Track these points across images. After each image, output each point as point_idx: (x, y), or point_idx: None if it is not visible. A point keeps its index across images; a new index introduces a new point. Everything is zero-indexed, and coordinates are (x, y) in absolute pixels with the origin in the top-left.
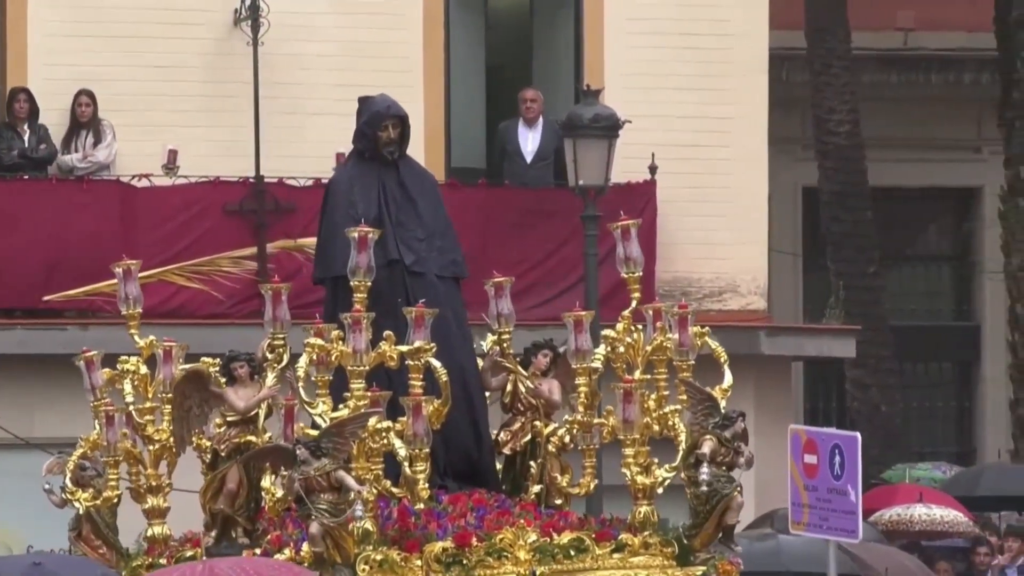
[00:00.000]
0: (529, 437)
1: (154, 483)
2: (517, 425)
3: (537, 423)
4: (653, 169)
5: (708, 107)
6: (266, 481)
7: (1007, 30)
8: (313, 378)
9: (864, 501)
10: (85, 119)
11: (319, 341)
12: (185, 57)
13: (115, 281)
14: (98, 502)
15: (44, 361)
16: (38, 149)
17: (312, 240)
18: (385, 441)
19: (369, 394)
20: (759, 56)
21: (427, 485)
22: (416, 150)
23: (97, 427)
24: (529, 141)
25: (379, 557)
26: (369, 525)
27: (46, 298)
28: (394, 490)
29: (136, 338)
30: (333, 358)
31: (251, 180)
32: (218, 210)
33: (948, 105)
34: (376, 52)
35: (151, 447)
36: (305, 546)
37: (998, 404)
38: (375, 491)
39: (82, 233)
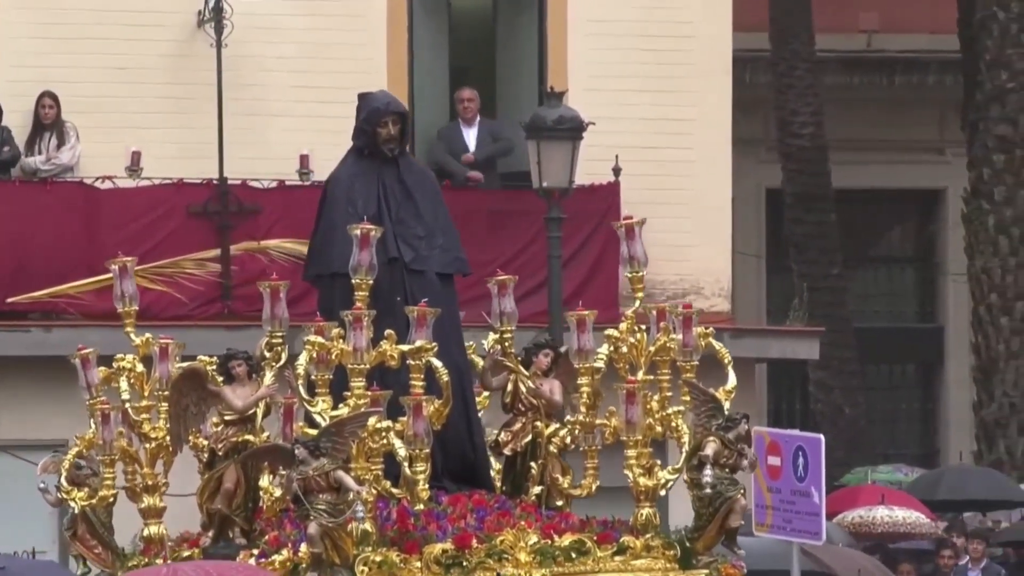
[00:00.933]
0: (530, 438)
1: (150, 482)
2: (518, 425)
3: (538, 423)
4: (617, 171)
5: (671, 109)
6: (264, 481)
7: (970, 32)
8: (313, 376)
9: (827, 503)
10: (48, 121)
11: (319, 339)
12: (149, 59)
13: (79, 283)
14: (94, 501)
15: (7, 363)
16: (1, 151)
17: (276, 242)
18: (385, 441)
19: (369, 393)
20: (722, 58)
21: (427, 486)
22: None
23: (93, 425)
24: (472, 141)
25: (378, 558)
26: (368, 526)
27: (10, 300)
28: (394, 491)
29: (132, 336)
30: (333, 356)
31: (215, 182)
32: (182, 212)
33: (911, 107)
34: (340, 54)
35: (147, 445)
36: (303, 547)
37: (961, 406)
38: (374, 492)
39: (46, 235)
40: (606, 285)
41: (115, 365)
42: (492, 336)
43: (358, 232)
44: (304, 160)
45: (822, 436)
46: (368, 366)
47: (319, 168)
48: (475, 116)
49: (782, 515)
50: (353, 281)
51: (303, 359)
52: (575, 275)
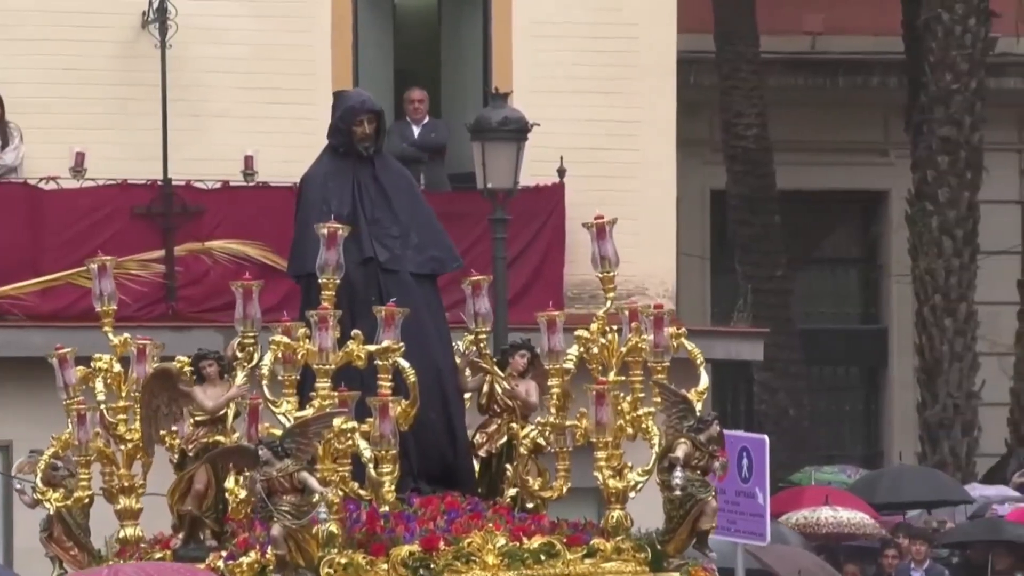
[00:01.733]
0: (505, 439)
1: (127, 483)
2: (493, 427)
3: (513, 425)
4: (561, 172)
5: (616, 110)
6: (230, 482)
7: (914, 34)
8: (280, 377)
9: (771, 504)
10: None
11: (285, 339)
12: (93, 60)
13: (22, 284)
14: (69, 502)
15: None
16: None
17: (220, 242)
18: (351, 442)
19: (336, 394)
20: (667, 60)
21: (395, 488)
22: None
23: (69, 426)
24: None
25: (344, 560)
26: (334, 528)
27: None
28: (362, 492)
29: (110, 335)
30: (299, 356)
31: (159, 183)
32: (126, 213)
33: (856, 109)
34: (284, 55)
35: (123, 447)
36: (271, 548)
37: (905, 407)
38: (341, 493)
39: None
40: (551, 286)
41: (92, 365)
42: (467, 337)
43: (325, 231)
44: (248, 161)
45: (766, 437)
46: (333, 366)
47: (263, 169)
48: (424, 116)
49: (726, 516)
50: (320, 280)
51: (268, 359)
52: (520, 276)
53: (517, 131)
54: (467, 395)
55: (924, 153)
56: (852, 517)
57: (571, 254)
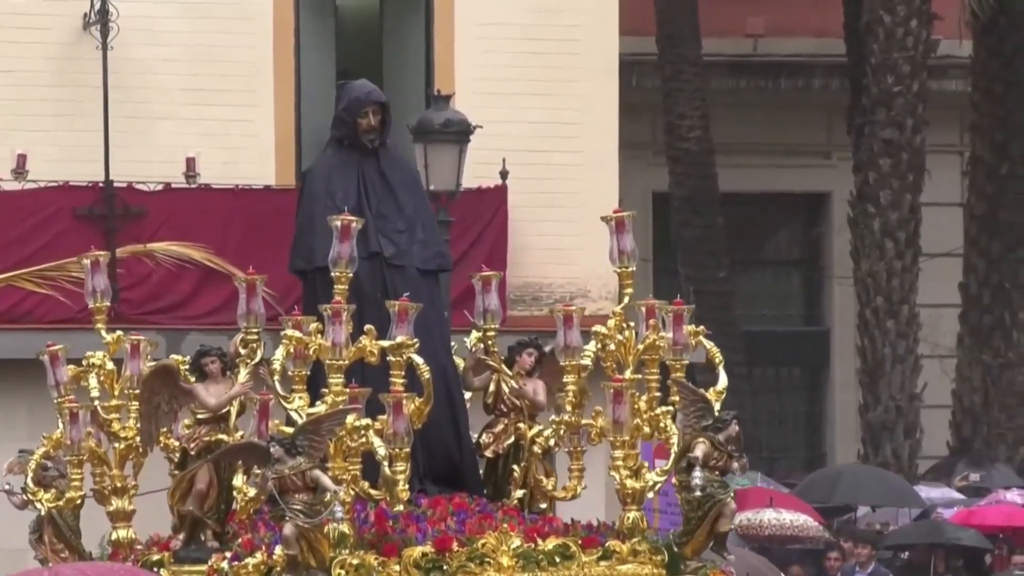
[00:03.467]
0: (512, 439)
1: (119, 484)
2: (500, 427)
3: (521, 425)
4: (504, 174)
5: (558, 112)
6: (238, 480)
7: (856, 36)
8: (290, 372)
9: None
10: None
11: (297, 333)
12: (34, 61)
13: None
14: (60, 503)
15: None
16: None
17: (162, 244)
18: (364, 440)
19: (348, 390)
20: (609, 62)
21: (407, 487)
22: (266, 155)
23: (60, 425)
24: None
25: (356, 561)
26: (346, 528)
27: None
28: (372, 492)
29: (103, 332)
30: (311, 352)
31: (101, 184)
32: (68, 214)
33: (798, 111)
34: (226, 57)
35: (117, 446)
36: (278, 549)
37: (847, 408)
38: (352, 492)
39: None
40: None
41: (85, 362)
42: (474, 334)
43: (338, 223)
44: (190, 163)
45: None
46: (347, 362)
47: (205, 171)
48: None
49: (670, 518)
50: (332, 274)
51: (279, 354)
52: (463, 278)
53: (459, 133)
54: (469, 395)
55: (866, 155)
56: (795, 519)
57: (514, 256)
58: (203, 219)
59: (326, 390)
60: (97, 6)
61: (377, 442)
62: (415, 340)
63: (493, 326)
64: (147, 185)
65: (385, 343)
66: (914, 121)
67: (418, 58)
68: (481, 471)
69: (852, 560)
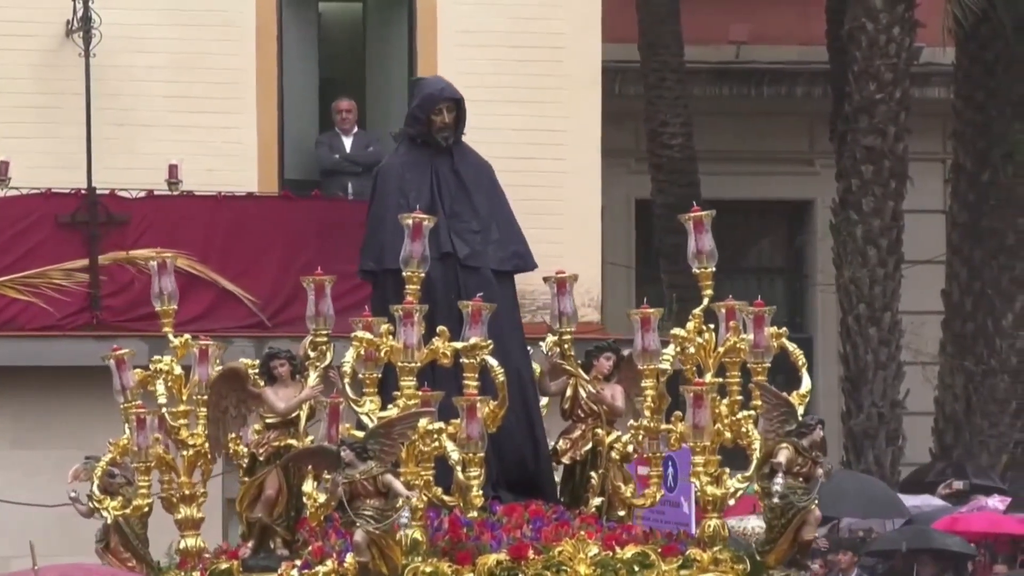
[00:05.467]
0: (590, 446)
1: (188, 492)
2: (577, 433)
3: (599, 431)
4: None
5: (541, 120)
6: (308, 486)
7: (839, 44)
8: (360, 375)
9: (698, 513)
10: None
11: (367, 335)
12: (16, 68)
13: None
14: (127, 511)
15: None
16: None
17: (145, 252)
18: (436, 444)
19: (420, 393)
20: (592, 69)
21: (480, 492)
22: (249, 162)
23: (127, 431)
24: (349, 150)
25: (428, 569)
26: (418, 534)
27: None
28: (446, 498)
29: (171, 336)
30: (382, 353)
31: (83, 191)
32: (50, 222)
33: (780, 119)
34: (209, 64)
35: (185, 452)
36: (349, 557)
37: (830, 416)
38: (425, 498)
39: None
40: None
41: (152, 367)
42: (551, 338)
43: (409, 222)
44: (173, 170)
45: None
46: (419, 364)
47: (188, 178)
48: (352, 127)
49: (651, 524)
50: (404, 274)
51: (350, 356)
52: None
53: None
54: (545, 400)
55: (848, 163)
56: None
57: None
58: (186, 226)
59: (397, 393)
60: (80, 13)
61: (450, 446)
62: (489, 341)
63: (569, 329)
64: (130, 192)
65: (458, 344)
66: (896, 128)
67: (401, 65)
68: (557, 478)
69: (835, 568)
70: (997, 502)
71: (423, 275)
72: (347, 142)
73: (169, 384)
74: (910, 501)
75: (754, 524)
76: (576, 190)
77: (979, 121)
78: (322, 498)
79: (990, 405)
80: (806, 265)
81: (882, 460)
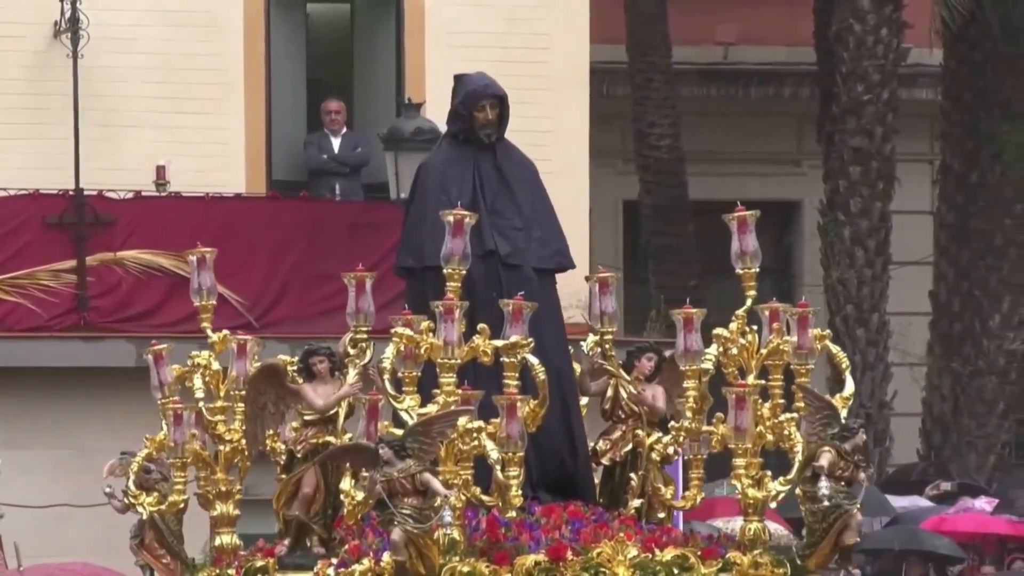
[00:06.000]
0: (630, 447)
1: (224, 488)
2: (617, 434)
3: (639, 432)
4: None
5: (528, 121)
6: (345, 483)
7: (827, 44)
8: (400, 373)
9: (685, 514)
10: None
11: (408, 332)
12: (4, 69)
13: None
14: (163, 507)
15: None
16: None
17: (132, 253)
18: (476, 443)
19: (460, 391)
20: (579, 70)
21: (520, 492)
22: (237, 163)
23: (164, 427)
24: (338, 151)
25: (466, 569)
26: (456, 534)
27: None
28: (484, 498)
29: (209, 331)
30: (422, 351)
31: (71, 192)
32: (38, 223)
33: (768, 119)
34: (197, 64)
35: (222, 448)
36: (386, 556)
37: None
38: (463, 498)
39: None
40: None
41: (190, 362)
42: (591, 338)
43: (451, 218)
44: (160, 171)
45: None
46: (460, 361)
47: (176, 179)
48: (341, 127)
49: None
50: (445, 271)
51: (390, 353)
52: None
53: (430, 141)
54: (585, 401)
55: (836, 164)
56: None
57: None
58: (173, 227)
59: (437, 391)
60: (67, 14)
61: (490, 445)
62: (530, 340)
63: (610, 329)
64: (117, 193)
65: (499, 342)
66: (884, 129)
67: (389, 66)
68: (596, 479)
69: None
70: (984, 503)
71: (464, 272)
72: (335, 143)
73: (207, 379)
74: (898, 502)
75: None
76: (564, 191)
77: (967, 122)
78: (360, 496)
79: (978, 406)
80: (794, 266)
81: (870, 461)
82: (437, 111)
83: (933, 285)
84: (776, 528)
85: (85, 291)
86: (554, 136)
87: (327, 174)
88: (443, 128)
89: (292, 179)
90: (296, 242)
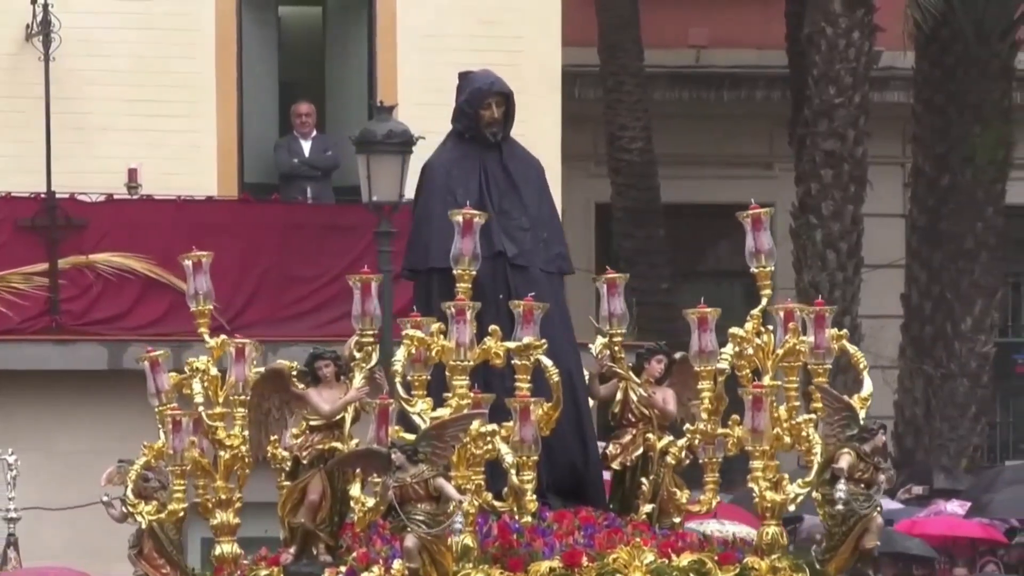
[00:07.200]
0: (641, 451)
1: (224, 496)
2: (627, 438)
3: (650, 436)
4: None
5: None
6: (355, 490)
7: (798, 48)
8: (409, 376)
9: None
10: None
11: (419, 334)
12: None
13: None
14: (162, 516)
15: None
16: None
17: (104, 256)
18: (489, 447)
19: (472, 394)
20: (551, 73)
21: (534, 498)
22: (208, 166)
23: (162, 434)
24: (308, 154)
25: (480, 575)
26: (469, 540)
27: None
28: (496, 503)
29: (206, 336)
30: (433, 353)
31: (43, 196)
32: (9, 226)
33: (740, 122)
34: (169, 67)
35: (222, 455)
36: (396, 563)
37: None
38: (476, 503)
39: None
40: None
41: (187, 368)
42: (600, 340)
43: (460, 218)
44: (132, 174)
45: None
46: (472, 363)
47: (147, 182)
48: (312, 130)
49: None
50: (455, 272)
51: (400, 355)
52: (406, 289)
53: (402, 144)
54: (594, 403)
55: (808, 167)
56: (739, 531)
57: None
58: (145, 230)
59: (447, 394)
60: (39, 17)
61: (504, 449)
62: (543, 341)
63: (620, 331)
64: (89, 196)
65: (511, 344)
66: (856, 132)
67: (361, 69)
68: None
69: None
70: (957, 506)
71: (474, 273)
72: (306, 146)
73: (205, 385)
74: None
75: (714, 528)
76: None
77: (938, 125)
78: (371, 502)
79: (949, 409)
80: None
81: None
82: (409, 114)
83: (905, 288)
84: (748, 531)
85: (57, 294)
86: (526, 139)
87: (298, 177)
88: (415, 131)
89: (264, 182)
90: (268, 245)
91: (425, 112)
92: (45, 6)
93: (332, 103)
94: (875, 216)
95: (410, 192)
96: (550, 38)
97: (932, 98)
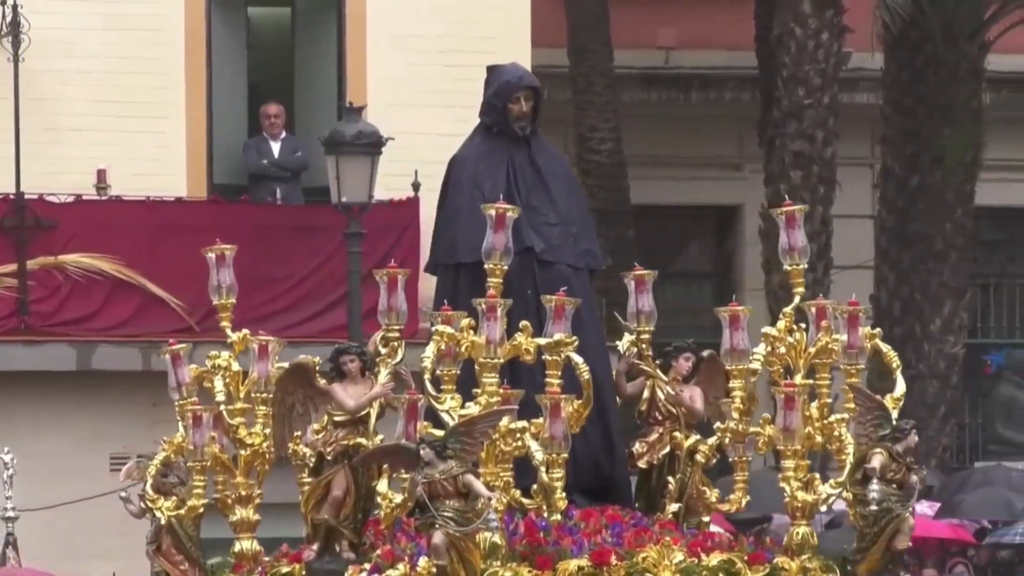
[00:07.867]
0: (667, 449)
1: (244, 492)
2: (654, 436)
3: (677, 434)
4: (416, 186)
5: (471, 124)
6: (382, 486)
7: (768, 49)
8: (438, 372)
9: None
10: None
11: (448, 330)
12: None
13: None
14: (181, 512)
15: None
16: None
17: (73, 256)
18: (519, 444)
19: (501, 391)
20: None
21: (563, 495)
22: (177, 167)
23: (182, 429)
24: (277, 155)
25: (508, 574)
26: (497, 538)
27: None
28: (525, 501)
29: (228, 331)
30: (463, 349)
31: (11, 196)
32: None
33: (709, 123)
34: (138, 68)
35: (243, 452)
36: (422, 561)
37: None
38: (504, 500)
39: None
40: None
41: (209, 363)
42: (627, 338)
43: (492, 212)
44: (101, 175)
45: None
46: (502, 360)
47: (116, 182)
48: (281, 131)
49: None
50: (487, 266)
51: (430, 351)
52: (375, 290)
53: (371, 145)
54: (621, 401)
55: (777, 167)
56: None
57: None
58: (114, 231)
59: (476, 390)
60: (9, 18)
61: (534, 446)
62: (574, 338)
63: (647, 328)
64: (58, 197)
65: (542, 340)
66: (825, 134)
67: (330, 70)
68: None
69: None
70: (926, 507)
71: (506, 267)
72: (275, 147)
73: (227, 381)
74: (839, 505)
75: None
76: None
77: (908, 126)
78: (398, 498)
79: (919, 410)
80: (735, 270)
81: (813, 465)
82: (379, 115)
83: (874, 289)
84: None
85: (26, 295)
86: None
87: (267, 178)
88: (384, 132)
89: (233, 183)
90: (237, 246)
91: (395, 113)
92: (14, 7)
93: (301, 104)
94: (844, 217)
95: (380, 194)
96: (520, 39)
97: (901, 99)
